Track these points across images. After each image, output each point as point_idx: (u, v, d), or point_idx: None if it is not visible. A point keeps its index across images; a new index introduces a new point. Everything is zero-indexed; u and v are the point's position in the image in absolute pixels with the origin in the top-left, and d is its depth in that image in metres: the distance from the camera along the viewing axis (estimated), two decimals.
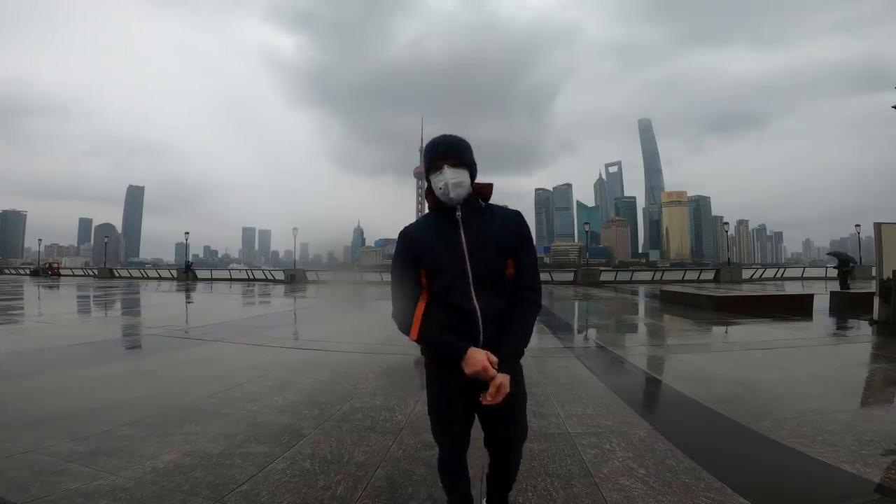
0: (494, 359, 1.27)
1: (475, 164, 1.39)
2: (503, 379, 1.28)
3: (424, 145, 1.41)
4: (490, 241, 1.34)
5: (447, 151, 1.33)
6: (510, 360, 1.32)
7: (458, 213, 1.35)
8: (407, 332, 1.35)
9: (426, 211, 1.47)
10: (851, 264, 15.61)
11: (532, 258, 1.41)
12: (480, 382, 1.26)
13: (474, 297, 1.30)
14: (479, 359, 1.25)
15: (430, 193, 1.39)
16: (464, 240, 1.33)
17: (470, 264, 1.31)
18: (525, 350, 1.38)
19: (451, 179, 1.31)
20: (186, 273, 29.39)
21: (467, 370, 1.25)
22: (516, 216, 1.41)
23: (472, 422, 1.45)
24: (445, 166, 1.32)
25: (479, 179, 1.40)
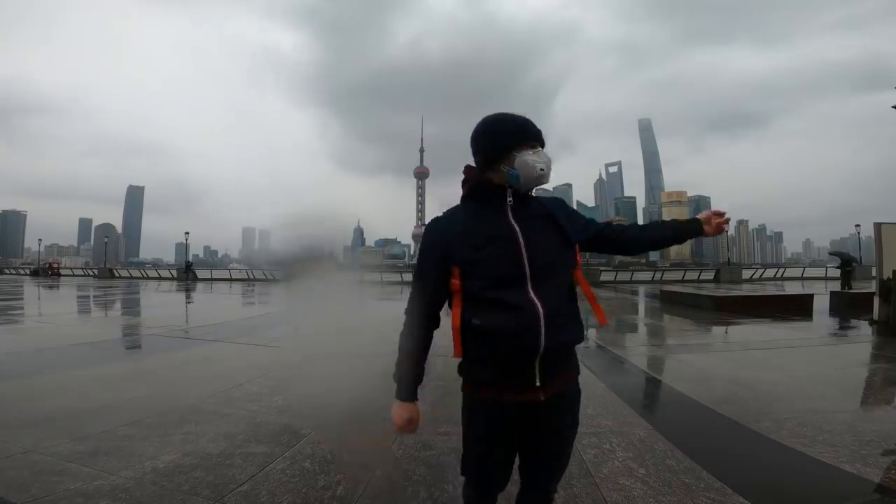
0: (416, 419, 1.17)
1: None
2: (709, 214, 1.32)
3: (492, 123, 1.18)
4: (545, 228, 1.15)
5: (539, 133, 1.16)
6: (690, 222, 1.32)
7: (510, 200, 1.15)
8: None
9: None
10: (854, 264, 15.60)
11: (610, 224, 1.32)
12: (533, 413, 1.12)
13: (533, 295, 1.08)
14: (403, 415, 1.16)
15: (469, 179, 1.20)
16: (518, 228, 1.12)
17: (528, 256, 1.09)
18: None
19: (548, 162, 1.15)
20: (187, 273, 29.39)
21: (392, 416, 1.17)
22: (561, 202, 1.26)
23: (515, 457, 1.24)
24: (539, 146, 1.16)
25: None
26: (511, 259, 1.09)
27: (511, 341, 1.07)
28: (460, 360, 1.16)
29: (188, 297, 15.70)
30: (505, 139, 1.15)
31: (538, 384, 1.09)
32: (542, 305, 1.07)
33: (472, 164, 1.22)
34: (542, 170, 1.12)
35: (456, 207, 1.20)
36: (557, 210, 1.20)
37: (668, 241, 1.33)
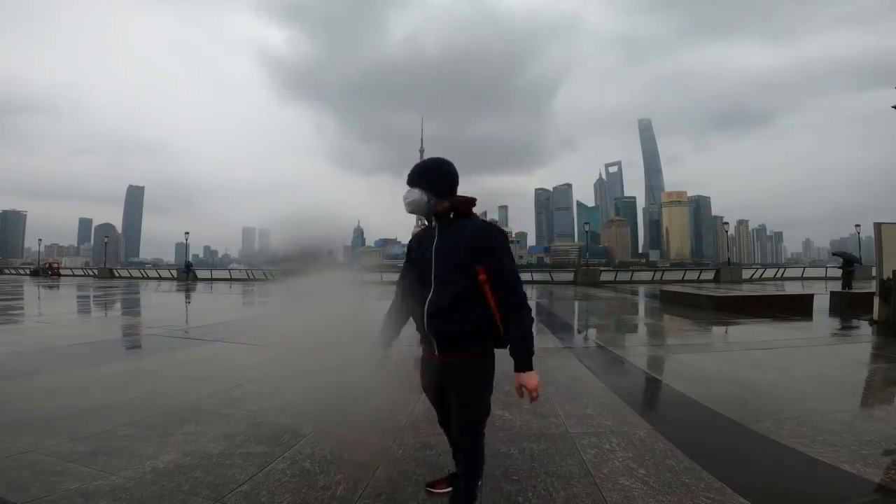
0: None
1: (440, 185, 1.61)
2: (522, 378, 1.55)
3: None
4: (453, 247, 1.55)
5: (410, 176, 1.64)
6: (520, 359, 1.56)
7: (434, 224, 1.65)
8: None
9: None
10: (856, 264, 15.59)
11: (502, 266, 1.55)
12: (436, 367, 1.64)
13: (432, 294, 1.56)
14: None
15: None
16: (435, 243, 1.60)
17: (435, 266, 1.57)
18: (531, 351, 1.57)
19: (405, 198, 1.62)
20: (187, 273, 29.40)
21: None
22: (486, 228, 1.59)
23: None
24: (410, 186, 1.63)
25: (470, 192, 1.65)
26: (425, 266, 1.61)
27: (417, 323, 1.65)
28: None
29: (188, 297, 15.70)
30: None
31: (435, 352, 1.61)
32: (431, 302, 1.56)
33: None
34: (405, 204, 1.64)
35: (428, 226, 1.71)
36: (476, 233, 1.57)
37: (504, 332, 1.61)
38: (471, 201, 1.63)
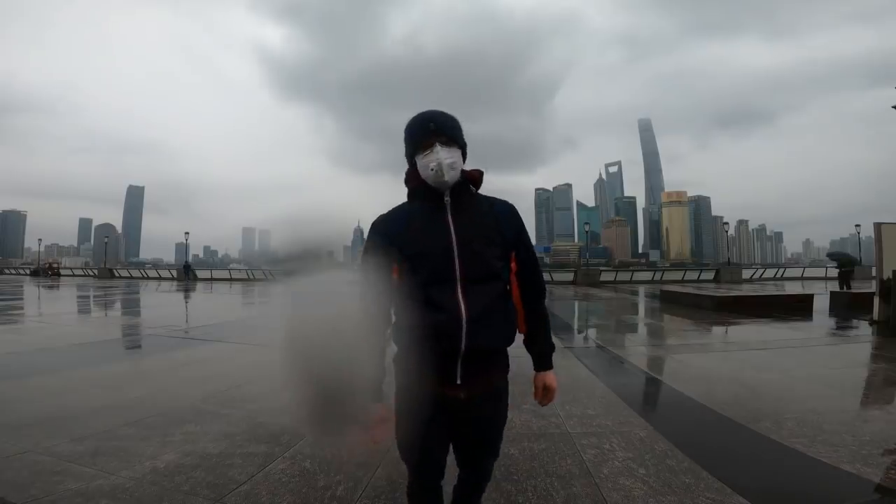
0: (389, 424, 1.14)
1: (466, 145, 1.21)
2: (548, 378, 1.26)
3: (407, 125, 1.21)
4: (483, 231, 1.16)
5: (439, 128, 1.15)
6: (548, 357, 1.28)
7: (447, 199, 1.16)
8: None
9: None
10: (854, 265, 15.56)
11: (531, 251, 1.26)
12: (455, 405, 1.15)
13: (460, 295, 1.09)
14: (383, 414, 1.14)
15: (411, 178, 1.21)
16: (452, 228, 1.13)
17: (459, 256, 1.11)
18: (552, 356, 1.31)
19: (446, 159, 1.12)
20: (186, 273, 29.44)
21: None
22: (512, 208, 1.25)
23: (448, 447, 1.28)
24: (437, 144, 1.14)
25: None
26: (443, 258, 1.11)
27: (434, 341, 1.09)
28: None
29: (188, 297, 15.70)
30: (410, 144, 1.19)
31: (458, 382, 1.13)
32: (466, 306, 1.09)
33: None
34: (432, 169, 1.13)
35: (399, 206, 1.23)
36: (502, 215, 1.21)
37: (524, 327, 1.27)
38: (481, 174, 1.25)
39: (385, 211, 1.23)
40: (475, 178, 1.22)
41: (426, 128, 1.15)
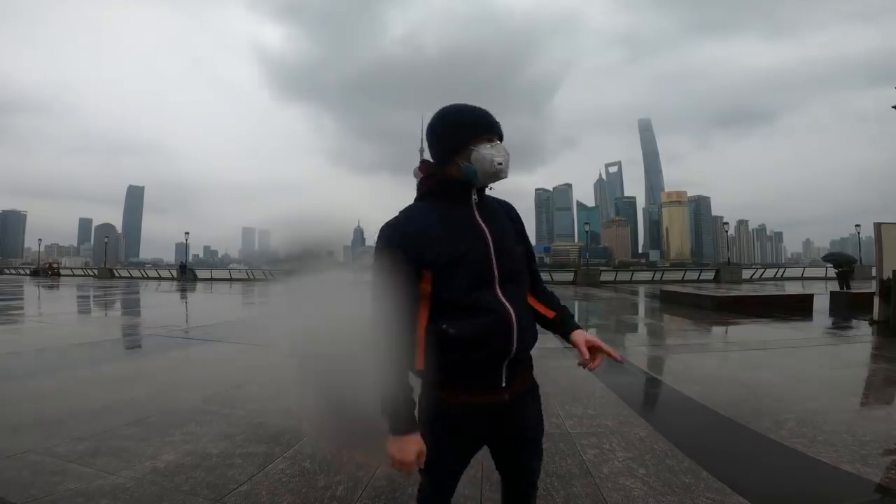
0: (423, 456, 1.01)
1: None
2: (589, 337, 1.14)
3: (449, 115, 1.11)
4: (509, 230, 1.13)
5: (497, 124, 1.10)
6: (572, 320, 1.21)
7: (475, 198, 1.10)
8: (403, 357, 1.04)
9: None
10: (853, 265, 15.55)
11: (529, 243, 1.24)
12: (499, 410, 1.08)
13: (503, 297, 1.05)
14: (412, 449, 0.99)
15: (430, 175, 1.12)
16: (486, 228, 1.08)
17: (496, 257, 1.06)
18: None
19: (506, 156, 1.08)
20: (184, 273, 29.52)
21: (394, 452, 1.00)
22: (511, 206, 1.22)
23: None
24: (497, 139, 1.09)
25: None
26: (483, 259, 1.05)
27: (487, 345, 1.03)
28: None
29: (188, 296, 15.70)
30: (462, 132, 1.08)
31: (503, 385, 1.07)
32: (512, 308, 1.05)
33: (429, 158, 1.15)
34: (499, 164, 1.07)
35: (413, 206, 1.13)
36: (512, 214, 1.19)
37: (541, 321, 1.20)
38: None
39: (388, 212, 1.13)
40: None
41: (489, 121, 1.09)
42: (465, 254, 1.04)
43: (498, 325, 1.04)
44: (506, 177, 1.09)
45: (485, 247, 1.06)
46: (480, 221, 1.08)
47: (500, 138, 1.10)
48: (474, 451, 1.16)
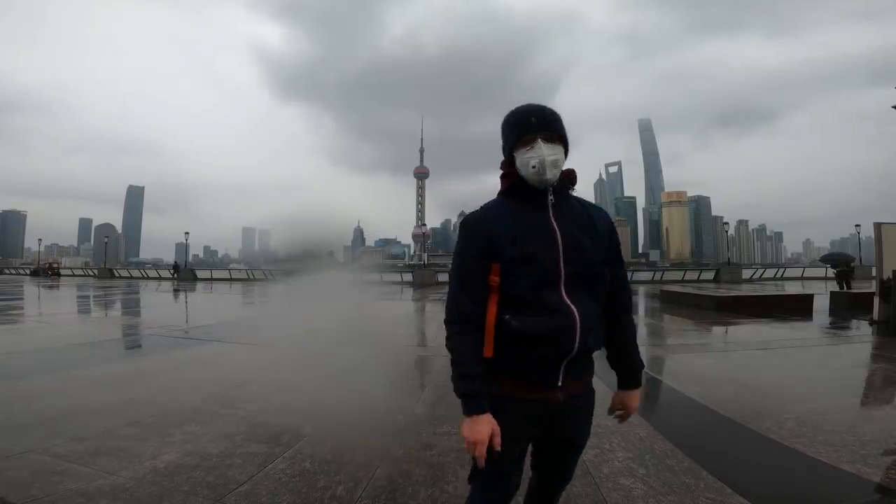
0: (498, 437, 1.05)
1: (568, 143, 1.14)
2: (632, 398, 1.23)
3: (507, 117, 1.15)
4: (587, 234, 1.12)
5: (541, 122, 1.09)
6: (639, 374, 1.23)
7: (551, 198, 1.11)
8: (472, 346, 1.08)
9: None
10: (852, 264, 15.53)
11: (621, 254, 1.22)
12: (551, 409, 1.11)
13: (567, 299, 1.06)
14: (485, 430, 1.03)
15: (507, 175, 1.16)
16: (558, 230, 1.08)
17: (564, 259, 1.06)
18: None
19: (549, 156, 1.06)
20: (176, 273, 29.69)
21: (468, 434, 1.04)
22: (608, 216, 1.21)
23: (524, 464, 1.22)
24: (539, 140, 1.07)
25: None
26: (550, 260, 1.06)
27: (548, 343, 1.05)
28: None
29: (188, 296, 15.70)
30: (507, 135, 1.13)
31: (559, 384, 1.09)
32: (577, 309, 1.06)
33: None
34: (533, 167, 1.07)
35: (494, 202, 1.16)
36: (600, 221, 1.17)
37: (610, 344, 1.23)
38: (574, 173, 1.17)
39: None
40: (572, 177, 1.15)
41: (528, 122, 1.10)
42: (533, 253, 1.06)
43: (560, 324, 1.05)
44: (549, 177, 1.08)
45: (553, 248, 1.07)
46: (553, 222, 1.09)
47: (548, 136, 1.08)
48: (523, 447, 1.18)
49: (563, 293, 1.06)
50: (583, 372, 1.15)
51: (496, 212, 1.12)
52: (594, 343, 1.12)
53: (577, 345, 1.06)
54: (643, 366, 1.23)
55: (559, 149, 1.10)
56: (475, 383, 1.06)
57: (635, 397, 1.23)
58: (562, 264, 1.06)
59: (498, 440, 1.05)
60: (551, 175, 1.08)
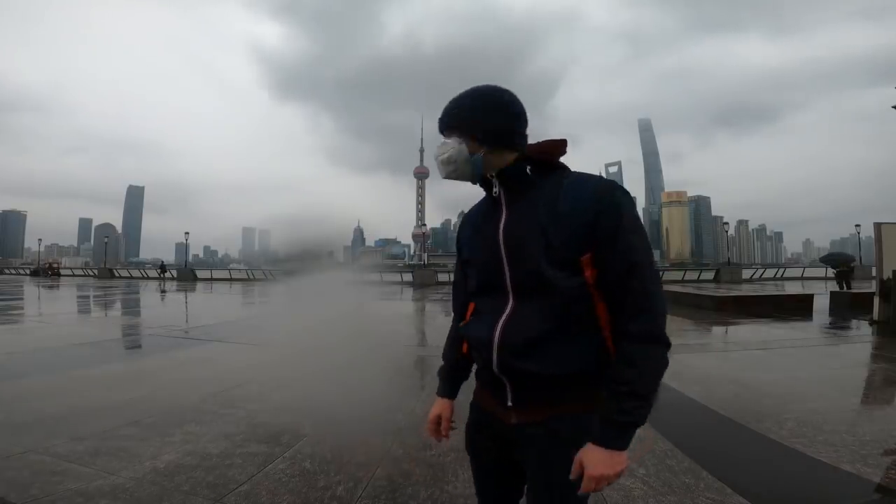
0: (446, 415, 1.11)
1: (491, 126, 0.92)
2: (591, 457, 0.81)
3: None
4: (535, 229, 0.87)
5: (441, 120, 0.97)
6: (616, 430, 0.81)
7: (496, 190, 0.94)
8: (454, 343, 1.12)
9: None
10: (852, 264, 15.52)
11: (631, 252, 0.84)
12: (504, 430, 0.96)
13: (509, 307, 0.90)
14: (433, 410, 1.12)
15: None
16: (501, 228, 0.92)
17: (508, 262, 0.90)
18: (646, 415, 0.82)
19: (438, 156, 0.96)
20: (163, 272, 29.87)
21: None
22: (599, 186, 0.86)
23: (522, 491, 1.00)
24: (442, 138, 0.97)
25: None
26: (485, 263, 0.95)
27: (477, 353, 0.97)
28: None
29: (187, 297, 15.70)
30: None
31: (509, 404, 0.92)
32: (503, 321, 0.90)
33: None
34: (439, 164, 0.97)
35: (480, 200, 1.05)
36: (579, 202, 0.86)
37: (611, 363, 0.85)
38: (560, 145, 0.93)
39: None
40: (534, 156, 0.93)
41: (440, 119, 0.99)
42: (473, 256, 1.00)
43: (480, 335, 0.94)
44: (449, 174, 0.96)
45: (489, 250, 0.93)
46: (500, 221, 0.93)
47: (445, 133, 0.97)
48: (490, 464, 1.04)
49: (511, 300, 0.91)
50: (551, 399, 0.89)
51: (471, 212, 1.06)
52: (529, 367, 0.87)
53: (494, 363, 0.90)
54: (635, 422, 0.81)
55: (449, 145, 0.94)
56: (443, 369, 1.14)
57: (597, 458, 0.81)
58: (506, 268, 0.91)
59: (447, 425, 1.11)
60: (446, 173, 0.96)
